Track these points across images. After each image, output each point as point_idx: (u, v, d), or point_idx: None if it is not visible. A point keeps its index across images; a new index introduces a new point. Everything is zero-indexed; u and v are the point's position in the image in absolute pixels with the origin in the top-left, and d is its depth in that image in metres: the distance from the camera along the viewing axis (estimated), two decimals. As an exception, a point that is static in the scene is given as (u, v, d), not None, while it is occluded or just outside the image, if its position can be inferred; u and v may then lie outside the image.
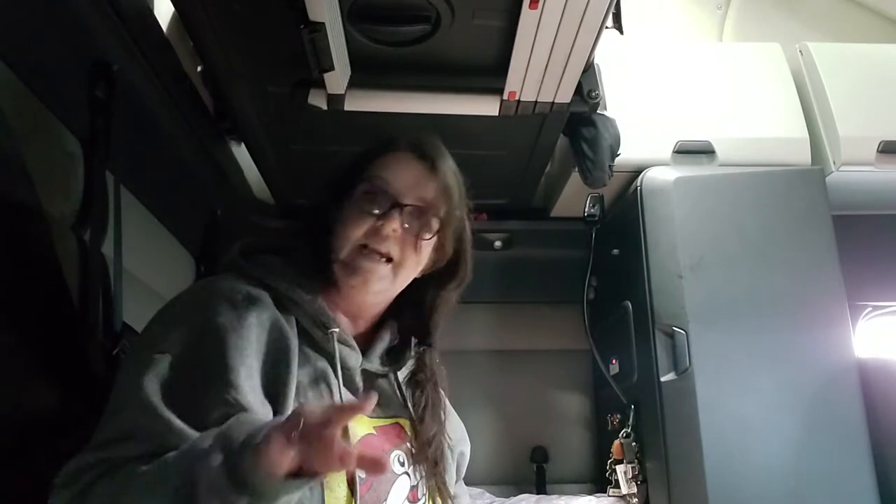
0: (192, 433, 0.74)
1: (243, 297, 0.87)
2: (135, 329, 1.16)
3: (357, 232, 0.92)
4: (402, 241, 0.93)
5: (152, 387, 0.77)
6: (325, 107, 1.21)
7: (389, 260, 0.93)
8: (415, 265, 0.97)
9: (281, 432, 0.64)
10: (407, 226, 0.93)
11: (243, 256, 0.97)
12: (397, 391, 1.03)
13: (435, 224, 0.96)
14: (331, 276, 0.94)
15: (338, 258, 0.93)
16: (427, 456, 1.00)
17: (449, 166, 0.99)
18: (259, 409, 0.79)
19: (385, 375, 1.02)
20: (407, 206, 0.93)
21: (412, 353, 1.06)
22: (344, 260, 0.93)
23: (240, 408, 0.77)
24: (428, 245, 0.98)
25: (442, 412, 1.07)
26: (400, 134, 1.01)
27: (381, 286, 0.95)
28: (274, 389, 0.83)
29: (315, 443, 0.63)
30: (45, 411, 0.95)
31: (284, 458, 0.64)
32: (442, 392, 1.08)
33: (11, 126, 0.91)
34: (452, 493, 1.07)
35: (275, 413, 0.82)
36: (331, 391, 0.90)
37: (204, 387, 0.78)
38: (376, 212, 0.92)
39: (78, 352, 1.02)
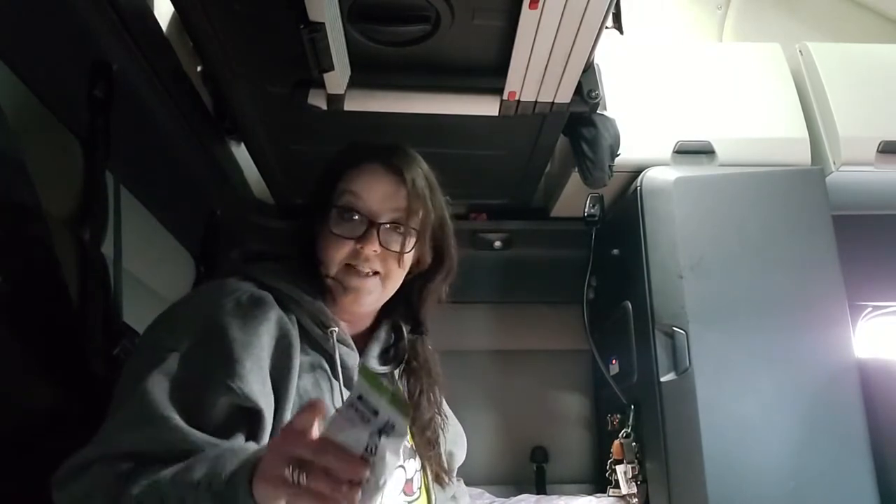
0: (192, 433, 0.75)
1: (249, 296, 0.89)
2: (135, 329, 1.16)
3: (339, 255, 0.96)
4: (384, 255, 0.97)
5: (160, 384, 0.77)
6: (325, 107, 1.21)
7: (376, 273, 0.97)
8: (400, 273, 1.01)
9: (273, 480, 0.62)
10: (386, 243, 0.96)
11: (244, 262, 0.98)
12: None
13: (413, 235, 0.98)
14: (326, 288, 0.98)
15: (328, 275, 0.97)
16: (426, 438, 1.04)
17: (418, 171, 1.01)
18: (262, 400, 0.80)
19: (383, 375, 1.03)
20: (383, 224, 0.96)
21: (405, 344, 1.08)
22: (335, 278, 0.97)
23: (243, 396, 0.78)
24: (409, 254, 1.00)
25: (436, 396, 1.09)
26: (365, 143, 1.02)
27: (372, 298, 0.99)
28: (276, 385, 0.85)
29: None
30: (45, 411, 0.95)
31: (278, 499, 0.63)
32: (437, 379, 1.10)
33: (11, 126, 0.91)
34: (453, 476, 1.11)
35: (276, 408, 0.84)
36: (331, 389, 0.91)
37: (209, 379, 0.79)
38: (354, 235, 0.95)
39: (78, 352, 1.02)
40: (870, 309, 1.88)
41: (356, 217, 0.96)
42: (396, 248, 0.97)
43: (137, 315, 1.17)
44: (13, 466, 0.89)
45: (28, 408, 0.93)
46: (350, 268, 0.96)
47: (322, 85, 1.16)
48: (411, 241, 0.98)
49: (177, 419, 0.75)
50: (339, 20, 1.03)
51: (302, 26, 0.97)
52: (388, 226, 0.96)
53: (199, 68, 1.33)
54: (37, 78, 1.00)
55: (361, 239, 0.95)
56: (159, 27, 1.16)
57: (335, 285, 0.97)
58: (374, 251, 0.95)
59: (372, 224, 0.95)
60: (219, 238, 1.73)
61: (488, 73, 1.20)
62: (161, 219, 1.48)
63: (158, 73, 1.17)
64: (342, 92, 1.19)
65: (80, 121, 1.09)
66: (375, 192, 0.97)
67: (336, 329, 0.94)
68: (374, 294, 0.98)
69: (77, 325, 1.03)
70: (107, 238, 1.13)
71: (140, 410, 0.76)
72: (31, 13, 0.94)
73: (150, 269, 1.41)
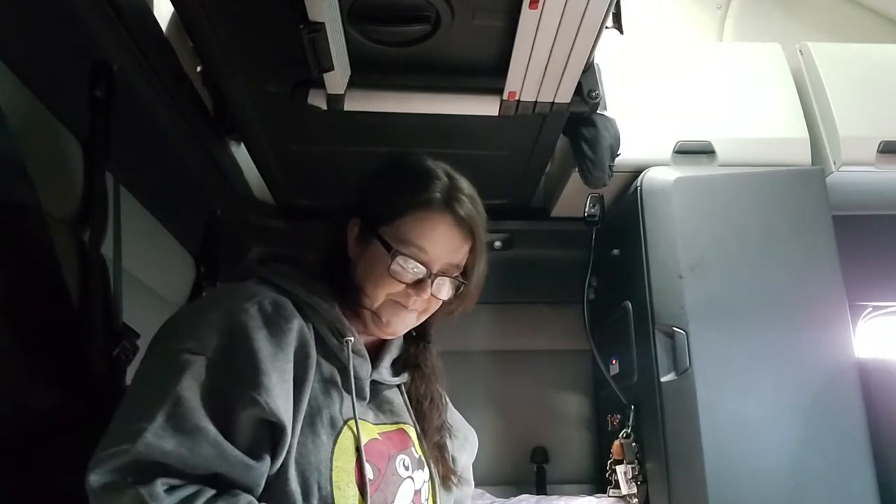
0: (228, 448, 0.76)
1: (271, 302, 0.88)
2: (135, 329, 1.16)
3: (388, 291, 0.96)
4: (431, 298, 0.98)
5: (192, 390, 0.77)
6: (325, 107, 1.21)
7: (415, 309, 0.98)
8: (435, 308, 1.02)
9: None
10: (437, 291, 0.97)
11: (261, 264, 0.99)
12: (404, 399, 1.05)
13: (459, 284, 0.99)
14: (360, 313, 0.98)
15: (370, 308, 0.97)
16: (434, 443, 1.04)
17: (482, 223, 1.00)
18: (285, 416, 0.80)
19: (392, 387, 1.04)
20: (438, 275, 0.96)
21: (416, 351, 1.09)
22: (375, 311, 0.97)
23: (268, 411, 0.78)
24: None
25: (444, 401, 1.10)
26: (428, 168, 0.99)
27: (405, 328, 1.01)
28: (293, 394, 0.84)
29: None
30: (46, 411, 0.95)
31: None
32: (443, 385, 1.11)
33: (11, 126, 0.91)
34: (459, 476, 1.10)
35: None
36: (341, 399, 0.91)
37: (236, 390, 0.79)
38: (409, 281, 0.95)
39: (78, 352, 1.02)
40: (870, 309, 1.88)
41: (414, 265, 0.95)
42: (446, 296, 0.99)
43: (137, 315, 1.17)
44: (13, 466, 0.89)
45: (28, 408, 0.93)
46: (394, 302, 0.97)
47: (322, 85, 1.16)
48: (458, 290, 1.00)
49: (214, 431, 0.76)
50: (339, 20, 1.03)
51: (302, 26, 0.97)
52: (442, 276, 0.97)
53: (199, 68, 1.33)
54: (37, 78, 1.00)
55: (416, 286, 0.95)
56: (159, 27, 1.16)
57: (373, 318, 0.97)
58: (425, 298, 0.96)
59: (428, 274, 0.95)
60: (219, 238, 1.73)
61: (488, 73, 1.20)
62: (161, 219, 1.48)
63: (158, 73, 1.17)
64: (342, 92, 1.19)
65: (81, 121, 1.08)
66: (440, 246, 0.96)
67: (352, 339, 0.93)
68: (409, 325, 1.01)
69: (77, 326, 1.03)
70: (107, 238, 1.13)
71: (176, 416, 0.75)
72: (31, 13, 0.94)
73: (150, 269, 1.41)
